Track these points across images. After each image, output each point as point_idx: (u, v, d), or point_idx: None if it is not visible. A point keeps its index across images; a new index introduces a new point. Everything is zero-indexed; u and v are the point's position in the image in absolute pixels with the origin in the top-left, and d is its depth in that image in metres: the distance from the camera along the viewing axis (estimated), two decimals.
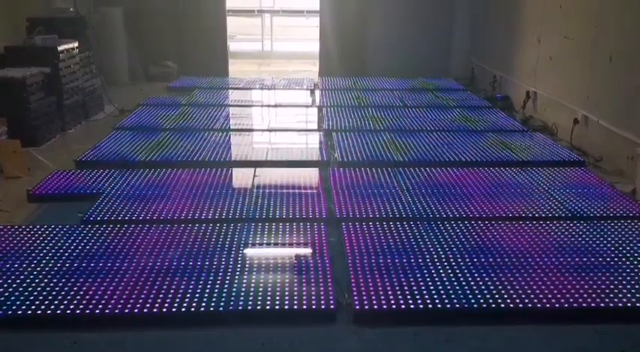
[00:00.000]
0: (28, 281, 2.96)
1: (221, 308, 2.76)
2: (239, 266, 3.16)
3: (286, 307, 2.78)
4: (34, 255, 3.24)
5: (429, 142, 5.62)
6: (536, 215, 3.93)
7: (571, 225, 3.73)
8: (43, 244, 3.37)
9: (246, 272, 3.09)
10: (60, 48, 6.07)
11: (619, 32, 5.13)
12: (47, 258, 3.21)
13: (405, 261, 3.23)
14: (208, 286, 2.93)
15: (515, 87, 7.55)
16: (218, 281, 2.98)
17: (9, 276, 3.00)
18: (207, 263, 3.18)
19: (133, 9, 9.34)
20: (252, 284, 2.96)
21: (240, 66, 11.71)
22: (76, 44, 6.47)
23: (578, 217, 3.90)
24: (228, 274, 3.06)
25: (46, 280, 2.96)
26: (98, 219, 3.78)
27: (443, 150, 5.35)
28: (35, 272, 3.04)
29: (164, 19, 9.65)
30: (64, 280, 2.96)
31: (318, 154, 5.25)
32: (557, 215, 3.93)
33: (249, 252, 3.34)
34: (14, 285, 2.91)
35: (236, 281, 2.99)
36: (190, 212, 3.90)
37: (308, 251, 3.35)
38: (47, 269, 3.09)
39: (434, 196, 4.22)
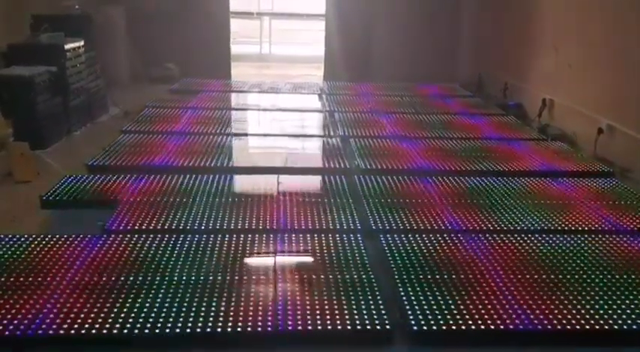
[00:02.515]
0: (64, 297, 2.74)
1: (269, 329, 2.56)
2: (279, 281, 2.96)
3: (338, 327, 2.59)
4: (65, 267, 3.01)
5: (448, 150, 5.46)
6: (586, 228, 3.77)
7: (617, 239, 3.58)
8: (66, 255, 3.14)
9: (288, 289, 2.89)
10: (67, 46, 5.83)
11: None
12: (72, 270, 2.99)
13: (454, 276, 3.05)
14: (251, 304, 2.73)
15: (529, 94, 7.44)
16: (260, 300, 2.77)
17: (41, 291, 2.78)
18: (244, 277, 2.98)
19: (134, 9, 9.11)
20: (298, 302, 2.76)
21: (240, 69, 11.50)
22: (82, 43, 6.23)
23: (624, 231, 3.75)
24: (269, 290, 2.86)
25: (84, 296, 2.75)
26: (121, 228, 3.55)
27: (466, 159, 5.19)
28: (71, 287, 2.82)
29: (166, 20, 9.43)
30: (104, 296, 2.75)
31: (340, 161, 5.06)
32: (601, 228, 3.78)
33: (286, 265, 3.14)
34: (42, 301, 2.69)
35: (280, 298, 2.79)
36: (218, 221, 3.69)
37: (348, 265, 3.16)
38: (82, 283, 2.87)
39: (469, 206, 4.06)
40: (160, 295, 2.77)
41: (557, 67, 6.66)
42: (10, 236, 3.35)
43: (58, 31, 6.06)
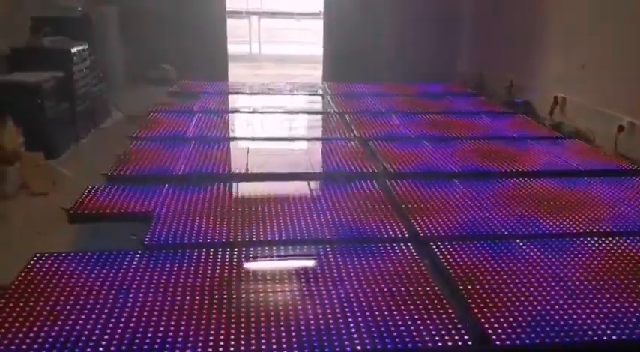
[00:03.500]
0: (113, 316, 2.57)
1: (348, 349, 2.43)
2: (342, 297, 2.82)
3: (418, 344, 2.47)
4: (115, 288, 2.84)
5: (470, 151, 5.37)
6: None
7: None
8: (112, 274, 2.97)
9: (353, 305, 2.76)
10: (73, 50, 5.60)
11: None
12: (124, 290, 2.82)
13: (519, 285, 2.96)
14: (312, 326, 2.58)
15: (537, 92, 7.41)
16: (320, 320, 2.64)
17: (89, 312, 2.60)
18: (305, 293, 2.84)
19: (129, 9, 8.87)
20: (369, 319, 2.63)
21: (233, 70, 11.31)
22: (86, 46, 6.00)
23: None
24: (334, 306, 2.73)
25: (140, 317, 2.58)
26: (162, 242, 3.38)
27: (491, 160, 5.12)
28: (127, 308, 2.65)
29: (161, 20, 9.20)
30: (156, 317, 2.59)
31: (364, 164, 4.94)
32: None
33: (346, 279, 3.01)
34: (93, 322, 2.52)
35: (339, 315, 2.65)
36: (260, 232, 3.54)
37: (408, 277, 3.04)
38: (135, 303, 2.70)
39: (520, 209, 3.97)
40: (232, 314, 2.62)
41: (569, 64, 6.64)
42: (55, 254, 3.16)
43: (58, 34, 5.81)
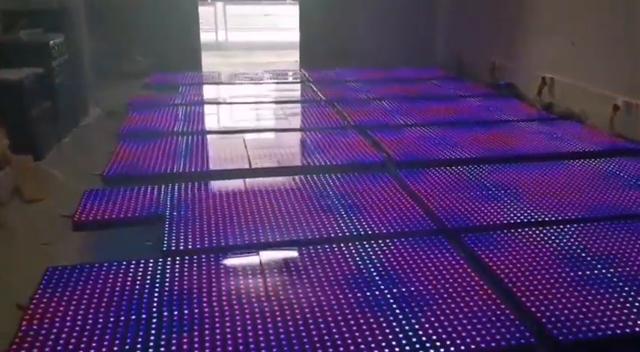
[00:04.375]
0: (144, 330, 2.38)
1: None
2: (388, 299, 2.69)
3: (481, 345, 2.36)
4: (136, 298, 2.64)
5: (476, 136, 5.30)
6: None
7: None
8: (137, 284, 2.76)
9: (403, 307, 2.63)
10: (51, 43, 5.25)
11: None
12: (156, 303, 2.62)
13: (571, 273, 2.88)
14: (357, 337, 2.43)
15: (522, 73, 7.39)
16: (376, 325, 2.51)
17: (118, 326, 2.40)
18: (348, 294, 2.70)
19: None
20: (422, 320, 2.51)
21: (203, 59, 10.94)
22: (63, 39, 5.64)
23: None
24: (382, 309, 2.60)
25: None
26: (181, 247, 3.17)
27: (494, 145, 5.06)
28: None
29: (131, 9, 8.80)
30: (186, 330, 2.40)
31: (369, 155, 4.80)
32: None
33: (386, 279, 2.88)
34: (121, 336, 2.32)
35: (390, 317, 2.53)
36: (281, 232, 3.36)
37: (450, 272, 2.93)
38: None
39: (547, 195, 3.91)
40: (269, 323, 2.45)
41: (557, 44, 6.62)
42: (70, 267, 2.92)
43: (35, 27, 5.44)
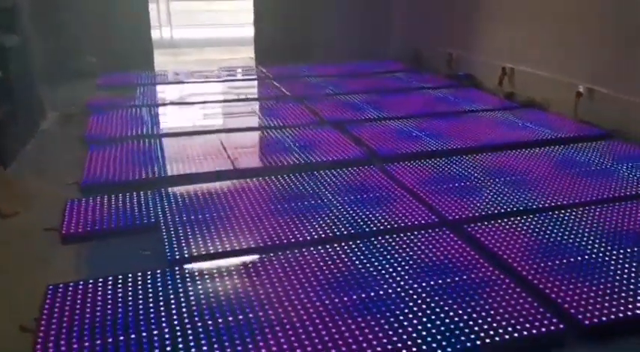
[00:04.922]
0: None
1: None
2: (407, 298, 2.69)
3: (509, 335, 2.39)
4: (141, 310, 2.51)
5: (449, 127, 5.38)
6: None
7: None
8: (152, 298, 2.63)
9: (419, 303, 2.63)
10: (7, 45, 4.92)
11: None
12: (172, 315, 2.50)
13: (586, 257, 2.96)
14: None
15: (480, 64, 7.55)
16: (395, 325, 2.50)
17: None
18: (362, 295, 2.68)
19: None
20: (450, 313, 2.52)
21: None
22: (17, 40, 5.30)
23: None
24: (408, 304, 2.59)
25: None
26: (186, 255, 3.05)
27: (471, 134, 5.15)
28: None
29: (78, 6, 8.39)
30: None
31: (353, 150, 4.77)
32: None
33: (404, 278, 2.87)
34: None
35: (420, 314, 2.53)
36: (281, 234, 3.28)
37: (464, 264, 2.96)
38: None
39: (528, 183, 4.01)
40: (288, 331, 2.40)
41: (516, 34, 6.80)
42: (73, 283, 2.76)
43: None
